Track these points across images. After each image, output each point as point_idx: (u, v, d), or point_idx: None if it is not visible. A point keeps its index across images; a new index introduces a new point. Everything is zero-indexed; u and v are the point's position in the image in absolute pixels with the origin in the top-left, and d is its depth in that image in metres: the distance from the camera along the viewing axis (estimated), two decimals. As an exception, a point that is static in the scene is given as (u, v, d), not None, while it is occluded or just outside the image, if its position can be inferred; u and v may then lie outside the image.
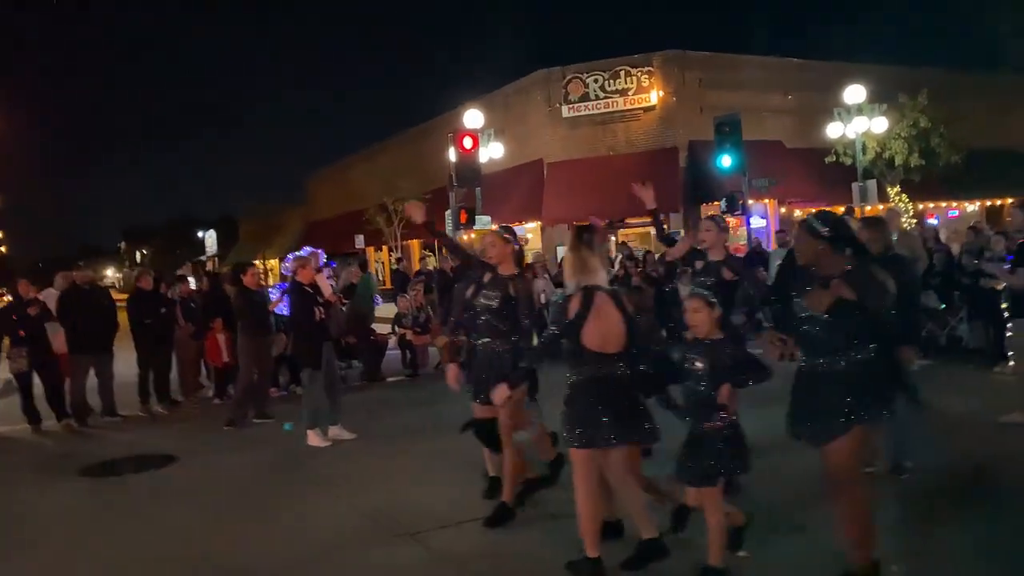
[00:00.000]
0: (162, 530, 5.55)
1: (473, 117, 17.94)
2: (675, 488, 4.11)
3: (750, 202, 18.65)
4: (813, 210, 4.36)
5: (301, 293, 7.51)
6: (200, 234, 45.51)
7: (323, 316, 7.51)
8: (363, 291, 11.69)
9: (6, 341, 9.19)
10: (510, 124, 23.40)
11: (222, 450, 7.77)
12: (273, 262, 38.57)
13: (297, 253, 9.01)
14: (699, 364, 3.91)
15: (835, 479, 3.72)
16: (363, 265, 12.86)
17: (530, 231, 23.71)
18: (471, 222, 17.32)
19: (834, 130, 19.45)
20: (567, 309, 4.00)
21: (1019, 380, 6.91)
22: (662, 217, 6.09)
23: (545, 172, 23.35)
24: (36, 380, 9.21)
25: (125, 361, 10.23)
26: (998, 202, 24.81)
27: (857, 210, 17.01)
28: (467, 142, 16.65)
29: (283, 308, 9.34)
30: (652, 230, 20.49)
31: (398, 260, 21.89)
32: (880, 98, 19.38)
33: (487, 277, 4.89)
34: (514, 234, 5.01)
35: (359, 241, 28.35)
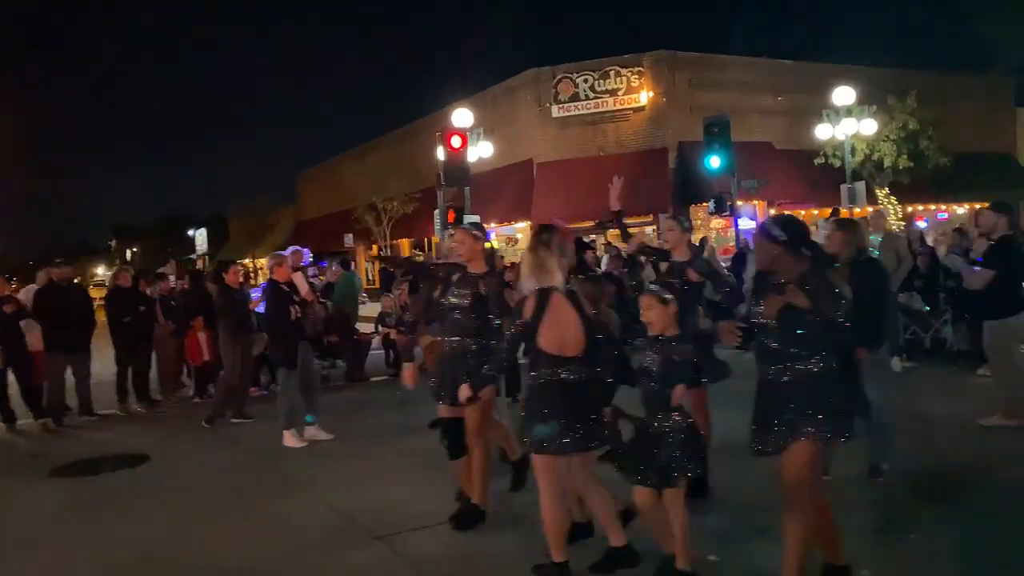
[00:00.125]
0: (131, 531, 5.47)
1: (462, 116, 17.85)
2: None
3: (739, 203, 18.60)
4: (794, 212, 4.29)
5: (276, 292, 7.42)
6: (190, 232, 45.23)
7: (299, 315, 7.43)
8: (345, 290, 11.59)
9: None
10: (500, 124, 23.36)
11: (198, 450, 7.69)
12: (263, 261, 38.44)
13: (279, 252, 8.93)
14: (652, 362, 3.84)
15: (788, 492, 3.56)
16: (345, 264, 12.74)
17: (520, 231, 23.67)
18: (459, 222, 17.24)
19: (823, 132, 19.45)
20: (522, 311, 3.90)
21: (998, 382, 6.87)
22: (625, 219, 6.02)
23: (535, 172, 23.29)
24: (12, 378, 9.10)
25: (105, 359, 10.14)
26: (987, 205, 24.83)
27: (844, 212, 17.01)
28: (455, 141, 16.54)
29: (263, 307, 9.26)
30: (650, 229, 20.41)
31: (379, 252, 21.65)
32: (870, 100, 19.41)
33: (456, 276, 4.82)
34: (483, 231, 4.94)
35: (348, 240, 28.27)
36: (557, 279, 3.93)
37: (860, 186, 18.40)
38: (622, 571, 4.05)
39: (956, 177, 21.56)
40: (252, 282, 23.05)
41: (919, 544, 4.40)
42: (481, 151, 18.87)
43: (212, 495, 6.22)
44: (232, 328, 8.85)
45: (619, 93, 22.66)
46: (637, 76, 22.55)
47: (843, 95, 18.73)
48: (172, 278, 11.67)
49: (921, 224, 22.15)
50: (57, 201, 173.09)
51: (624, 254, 8.43)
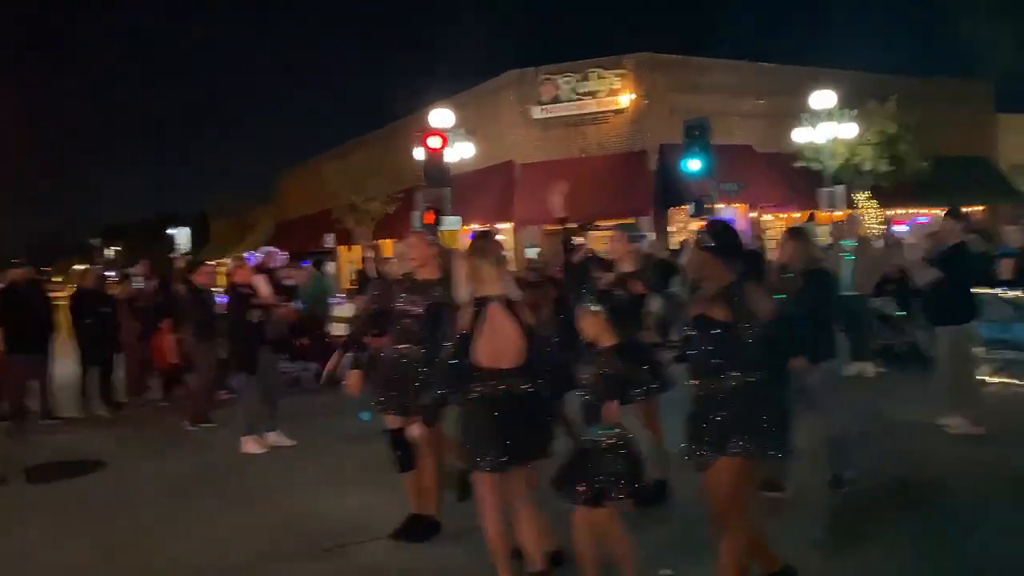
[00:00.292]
0: (83, 540, 5.33)
1: (442, 116, 17.66)
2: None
3: (720, 206, 18.53)
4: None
5: (235, 295, 7.26)
6: (170, 231, 44.70)
7: (261, 319, 7.26)
8: (316, 291, 11.41)
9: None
10: (482, 124, 23.21)
11: (158, 455, 7.54)
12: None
13: (247, 252, 8.78)
14: (586, 374, 3.73)
15: (715, 509, 3.46)
16: (317, 264, 12.55)
17: (502, 232, 23.53)
18: (439, 223, 17.09)
19: (801, 135, 19.44)
20: (457, 323, 3.76)
21: (950, 387, 6.87)
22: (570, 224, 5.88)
23: (516, 173, 23.18)
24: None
25: (70, 362, 9.93)
26: (967, 210, 24.96)
27: (821, 215, 17.00)
28: (434, 141, 16.37)
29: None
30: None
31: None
32: (850, 103, 19.40)
33: (407, 282, 4.70)
34: (436, 236, 4.83)
35: (329, 240, 28.00)
36: (493, 287, 3.78)
37: (839, 190, 18.38)
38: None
39: (937, 181, 21.60)
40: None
41: (875, 555, 4.33)
42: (462, 152, 18.76)
43: (166, 503, 6.08)
44: (200, 330, 8.68)
45: (601, 95, 22.58)
46: (619, 78, 22.47)
47: (821, 98, 18.70)
48: (141, 279, 11.42)
49: (902, 228, 22.25)
50: (57, 201, 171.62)
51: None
